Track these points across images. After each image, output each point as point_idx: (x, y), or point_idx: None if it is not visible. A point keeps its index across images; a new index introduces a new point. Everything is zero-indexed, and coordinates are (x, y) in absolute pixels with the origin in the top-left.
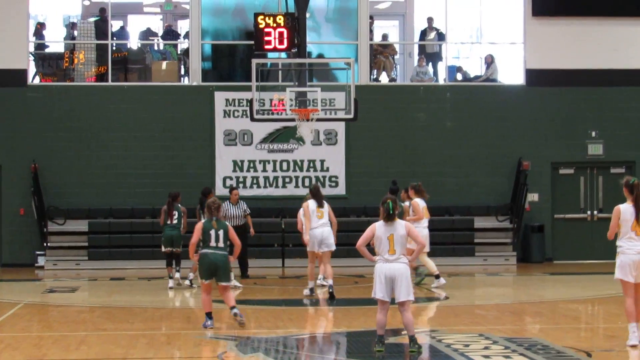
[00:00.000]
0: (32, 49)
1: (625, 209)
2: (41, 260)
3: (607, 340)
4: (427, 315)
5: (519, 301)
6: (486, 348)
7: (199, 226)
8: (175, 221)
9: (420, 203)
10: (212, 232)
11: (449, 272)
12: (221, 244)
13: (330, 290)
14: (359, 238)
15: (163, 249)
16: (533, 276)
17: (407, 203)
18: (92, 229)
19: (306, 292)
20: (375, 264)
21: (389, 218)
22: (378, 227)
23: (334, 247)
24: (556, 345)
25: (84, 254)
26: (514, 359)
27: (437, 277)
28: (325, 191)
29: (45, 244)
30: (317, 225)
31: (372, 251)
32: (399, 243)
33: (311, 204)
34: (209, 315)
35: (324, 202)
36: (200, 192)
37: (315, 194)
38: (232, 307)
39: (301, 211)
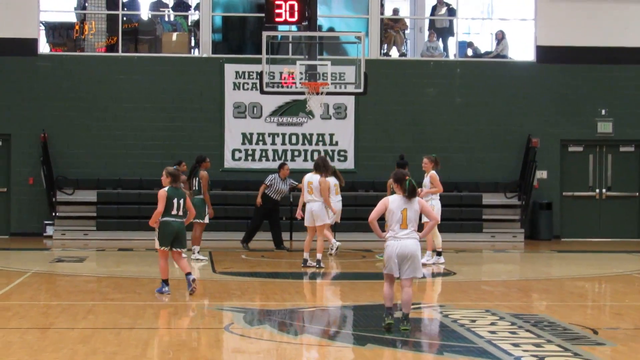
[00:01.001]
0: (42, 18)
1: None
2: (49, 230)
3: (613, 318)
4: (434, 290)
5: (526, 278)
6: (492, 324)
7: (163, 194)
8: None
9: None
10: (175, 201)
11: (456, 248)
12: (180, 212)
13: (317, 266)
14: (371, 212)
15: None
16: (540, 253)
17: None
18: (100, 200)
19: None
20: (386, 242)
21: (411, 195)
22: (392, 201)
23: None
24: (562, 322)
25: (92, 224)
26: (520, 335)
27: (439, 254)
28: (334, 165)
29: (53, 214)
30: (309, 200)
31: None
32: (412, 219)
33: (331, 180)
34: (165, 282)
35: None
36: (195, 159)
37: (316, 167)
38: (188, 274)
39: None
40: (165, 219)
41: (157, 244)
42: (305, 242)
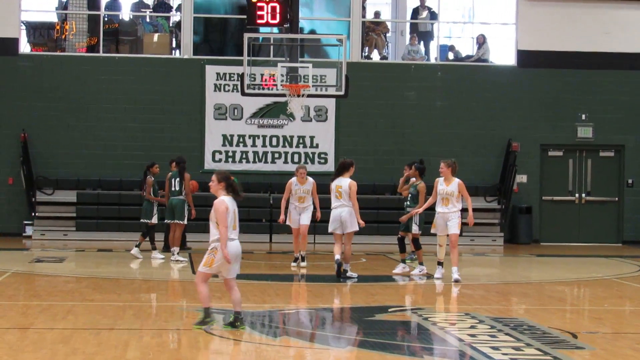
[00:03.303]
0: (23, 17)
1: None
2: (29, 230)
3: (592, 322)
4: (413, 293)
5: (506, 282)
6: (472, 327)
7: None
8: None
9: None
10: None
11: (435, 251)
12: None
13: (343, 276)
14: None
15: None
16: (520, 257)
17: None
18: (80, 200)
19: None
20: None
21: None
22: (439, 184)
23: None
24: (542, 326)
25: (72, 225)
26: (500, 338)
27: (421, 263)
28: (314, 167)
29: (33, 214)
30: (336, 206)
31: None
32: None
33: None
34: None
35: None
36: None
37: (338, 169)
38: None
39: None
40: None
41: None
42: (335, 249)
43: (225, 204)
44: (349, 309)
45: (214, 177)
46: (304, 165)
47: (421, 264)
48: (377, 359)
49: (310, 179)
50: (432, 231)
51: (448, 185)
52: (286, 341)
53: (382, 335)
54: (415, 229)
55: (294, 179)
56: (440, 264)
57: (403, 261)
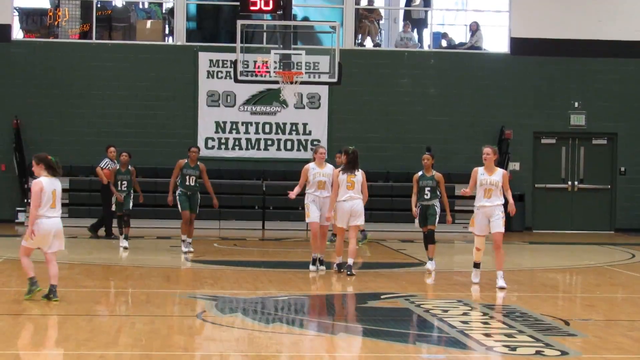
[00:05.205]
0: (16, 3)
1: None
2: (21, 217)
3: (585, 309)
4: (406, 280)
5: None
6: (465, 314)
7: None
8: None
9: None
10: None
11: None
12: None
13: (349, 272)
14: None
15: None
16: (512, 245)
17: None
18: (73, 187)
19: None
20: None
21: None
22: (480, 173)
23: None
24: (534, 313)
25: (64, 212)
26: (492, 325)
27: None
28: (307, 155)
29: (25, 200)
30: (347, 198)
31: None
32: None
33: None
34: None
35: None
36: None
37: (350, 160)
38: None
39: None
40: None
41: None
42: (337, 245)
43: (40, 184)
44: (342, 296)
45: (33, 161)
46: (322, 146)
47: (431, 259)
48: (370, 345)
49: (330, 165)
50: (470, 230)
51: (491, 175)
52: (279, 328)
53: (374, 322)
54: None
55: (311, 164)
56: (476, 265)
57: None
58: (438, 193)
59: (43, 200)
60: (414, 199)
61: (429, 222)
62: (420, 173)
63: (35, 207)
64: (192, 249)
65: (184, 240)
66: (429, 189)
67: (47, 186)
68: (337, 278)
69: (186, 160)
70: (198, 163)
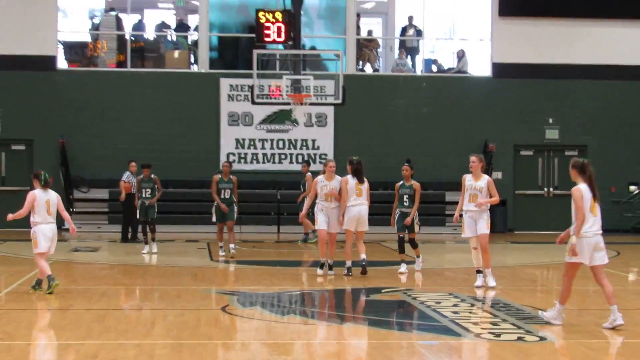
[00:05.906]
0: (60, 37)
1: (585, 189)
2: (67, 224)
3: None
4: (402, 276)
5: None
6: (455, 305)
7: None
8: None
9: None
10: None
11: (422, 240)
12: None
13: (364, 263)
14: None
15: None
16: (496, 244)
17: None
18: (112, 197)
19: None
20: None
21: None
22: (467, 180)
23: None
24: (515, 303)
25: (104, 219)
26: (479, 314)
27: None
28: (316, 167)
29: (71, 210)
30: (356, 204)
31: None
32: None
33: (350, 179)
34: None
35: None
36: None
37: (357, 170)
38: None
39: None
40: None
41: None
42: (346, 248)
43: (33, 195)
44: (347, 290)
45: (32, 176)
46: (332, 159)
47: (418, 256)
48: (372, 333)
49: (338, 177)
50: (463, 235)
51: (477, 181)
52: (293, 319)
53: (376, 313)
54: (417, 229)
55: (319, 177)
56: (479, 272)
57: (403, 260)
58: None
59: (37, 209)
60: (394, 205)
61: (410, 231)
62: (400, 182)
63: (25, 212)
64: (223, 253)
65: (221, 246)
66: (407, 196)
67: (40, 197)
68: (343, 274)
69: (220, 176)
70: (231, 177)
